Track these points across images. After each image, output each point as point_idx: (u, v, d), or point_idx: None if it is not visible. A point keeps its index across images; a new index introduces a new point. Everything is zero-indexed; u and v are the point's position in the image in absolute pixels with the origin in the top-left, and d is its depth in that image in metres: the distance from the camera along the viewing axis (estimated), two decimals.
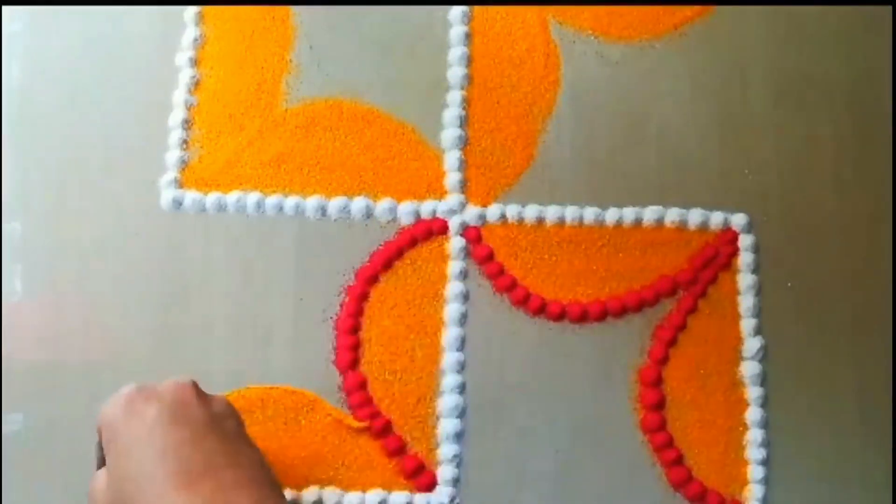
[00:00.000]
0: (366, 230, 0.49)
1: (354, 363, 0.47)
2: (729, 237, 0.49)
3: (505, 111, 0.50)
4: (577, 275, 0.48)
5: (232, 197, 0.48)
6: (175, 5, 0.51)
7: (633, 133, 0.50)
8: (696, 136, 0.50)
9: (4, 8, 0.50)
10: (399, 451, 0.45)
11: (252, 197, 0.48)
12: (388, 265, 0.48)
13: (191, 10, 0.51)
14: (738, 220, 0.49)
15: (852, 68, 0.52)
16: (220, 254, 0.48)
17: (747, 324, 0.48)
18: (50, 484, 0.44)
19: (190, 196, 0.48)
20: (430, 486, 0.45)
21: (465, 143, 0.50)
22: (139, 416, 0.36)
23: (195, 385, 0.39)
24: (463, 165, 0.49)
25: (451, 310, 0.47)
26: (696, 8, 0.52)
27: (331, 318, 0.47)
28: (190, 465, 0.35)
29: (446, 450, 0.45)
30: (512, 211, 0.49)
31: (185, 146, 0.49)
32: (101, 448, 0.38)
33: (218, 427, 0.37)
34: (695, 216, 0.49)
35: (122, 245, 0.48)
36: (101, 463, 0.38)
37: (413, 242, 0.49)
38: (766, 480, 0.45)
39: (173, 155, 0.49)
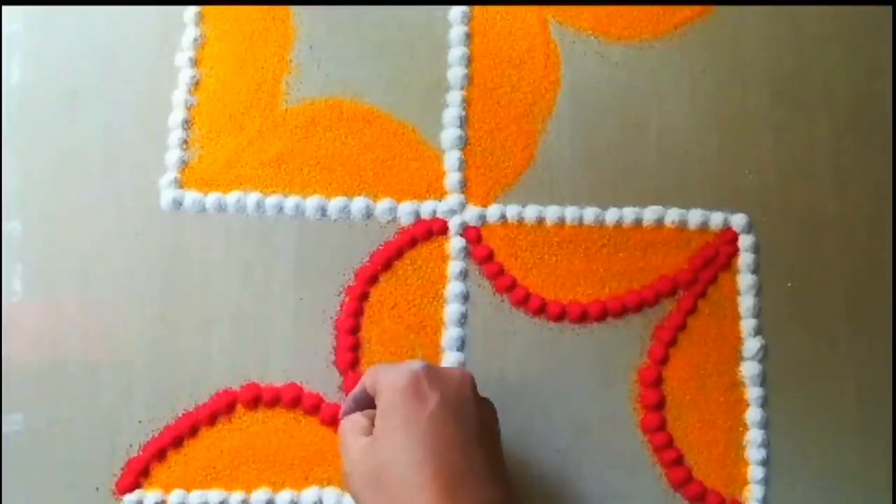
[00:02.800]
0: (366, 230, 0.49)
1: (354, 363, 0.47)
2: (729, 237, 0.49)
3: (505, 111, 0.50)
4: (577, 275, 0.48)
5: (232, 197, 0.48)
6: (175, 5, 0.51)
7: (633, 133, 0.50)
8: (696, 136, 0.50)
9: (4, 8, 0.50)
10: None
11: (252, 197, 0.48)
12: (388, 265, 0.48)
13: (191, 11, 0.50)
14: (738, 220, 0.49)
15: (852, 68, 0.52)
16: (220, 254, 0.48)
17: (747, 324, 0.48)
18: (50, 483, 0.44)
19: (190, 196, 0.48)
20: None
21: (465, 144, 0.50)
22: (422, 401, 0.37)
23: (474, 381, 0.40)
24: (463, 165, 0.49)
25: (451, 310, 0.47)
26: (697, 8, 0.52)
27: (331, 318, 0.47)
28: (454, 470, 0.36)
29: None
30: (512, 211, 0.49)
31: (185, 146, 0.49)
32: (358, 401, 0.41)
33: (485, 434, 0.39)
34: (695, 216, 0.49)
35: (123, 245, 0.48)
36: (350, 411, 0.41)
37: (413, 242, 0.49)
38: (766, 481, 0.46)
39: (173, 155, 0.49)
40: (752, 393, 0.47)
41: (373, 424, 0.38)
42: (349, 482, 0.38)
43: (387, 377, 0.39)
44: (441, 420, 0.37)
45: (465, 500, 0.35)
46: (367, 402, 0.41)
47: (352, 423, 0.40)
